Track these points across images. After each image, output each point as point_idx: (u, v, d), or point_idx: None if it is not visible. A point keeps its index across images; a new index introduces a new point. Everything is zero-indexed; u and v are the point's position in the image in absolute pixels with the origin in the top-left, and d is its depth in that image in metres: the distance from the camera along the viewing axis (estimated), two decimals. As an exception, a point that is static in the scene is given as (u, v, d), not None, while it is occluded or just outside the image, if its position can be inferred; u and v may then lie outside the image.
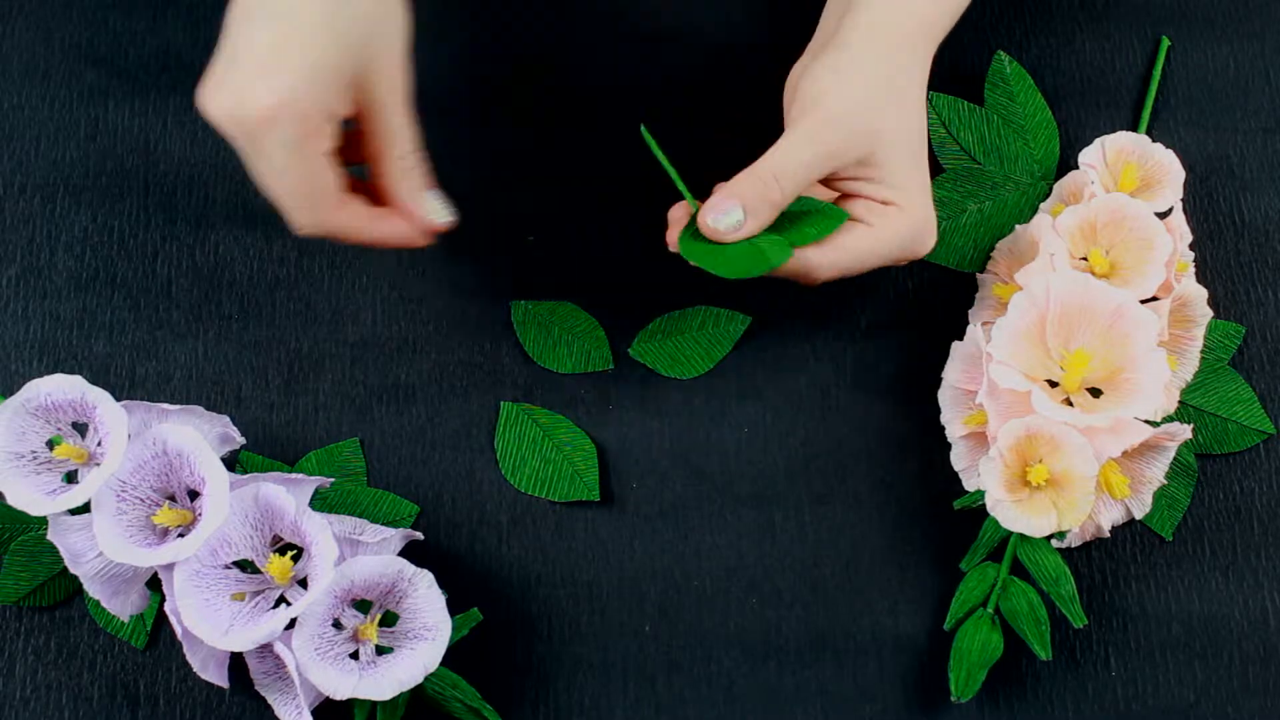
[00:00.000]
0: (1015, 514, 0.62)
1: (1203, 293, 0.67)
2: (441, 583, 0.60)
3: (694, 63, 0.75)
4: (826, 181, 0.64)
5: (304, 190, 0.58)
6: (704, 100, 0.74)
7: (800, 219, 0.64)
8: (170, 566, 0.58)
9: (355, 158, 0.61)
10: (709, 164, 0.68)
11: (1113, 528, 0.65)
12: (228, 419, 0.62)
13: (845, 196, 0.65)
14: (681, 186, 0.64)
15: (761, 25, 0.76)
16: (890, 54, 0.64)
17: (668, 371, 0.69)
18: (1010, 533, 0.64)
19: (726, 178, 0.69)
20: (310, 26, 0.57)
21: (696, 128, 0.73)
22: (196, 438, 0.58)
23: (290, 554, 0.59)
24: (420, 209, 0.61)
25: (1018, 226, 0.70)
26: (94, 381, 0.59)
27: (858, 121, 0.62)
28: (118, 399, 0.59)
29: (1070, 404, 0.62)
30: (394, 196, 0.61)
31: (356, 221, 0.60)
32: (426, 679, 0.61)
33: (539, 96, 0.74)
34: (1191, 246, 0.69)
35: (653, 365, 0.69)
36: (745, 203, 0.62)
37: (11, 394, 0.60)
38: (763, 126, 0.74)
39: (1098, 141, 0.69)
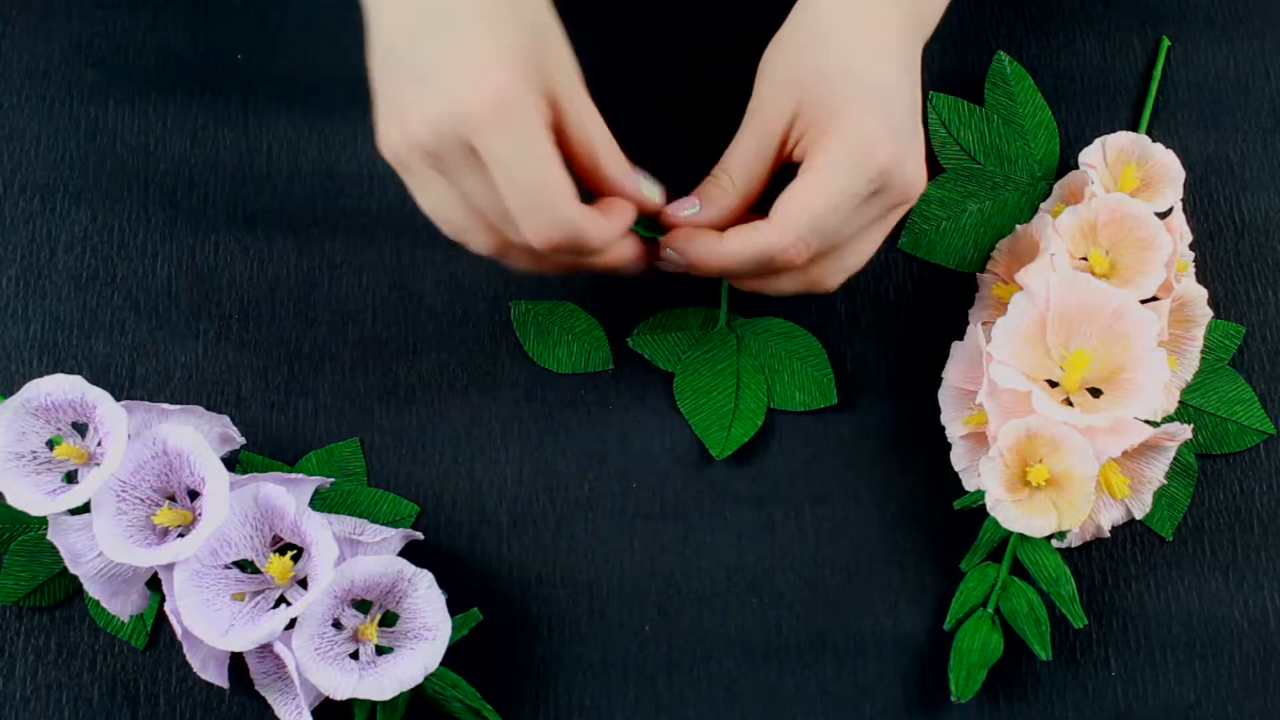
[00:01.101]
0: (1015, 514, 0.62)
1: (1203, 293, 0.67)
2: (441, 583, 0.60)
3: (698, 63, 0.75)
4: (792, 160, 0.61)
5: (546, 182, 0.55)
6: (706, 101, 0.74)
7: (792, 382, 0.68)
8: (170, 566, 0.58)
9: None
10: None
11: (1113, 528, 0.65)
12: (228, 419, 0.62)
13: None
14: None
15: (763, 26, 0.76)
16: (839, 10, 0.60)
17: (666, 366, 0.69)
18: (1010, 533, 0.64)
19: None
20: (494, 27, 0.55)
21: (697, 128, 0.73)
22: (196, 438, 0.58)
23: (290, 554, 0.59)
24: (639, 191, 0.60)
25: (1018, 226, 0.70)
26: (94, 381, 0.59)
27: (782, 71, 0.60)
28: (118, 399, 0.59)
29: (1070, 404, 0.62)
30: (613, 184, 0.59)
31: (597, 224, 0.57)
32: (426, 679, 0.61)
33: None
34: (1191, 246, 0.69)
35: (651, 358, 0.69)
36: (700, 195, 0.62)
37: (11, 394, 0.60)
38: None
39: (1098, 141, 0.69)
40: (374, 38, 0.59)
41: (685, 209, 0.62)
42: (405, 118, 0.56)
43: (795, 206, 0.58)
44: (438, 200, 0.59)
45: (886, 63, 0.60)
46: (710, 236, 0.61)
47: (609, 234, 0.58)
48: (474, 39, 0.55)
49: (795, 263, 0.59)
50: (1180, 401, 0.68)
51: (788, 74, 0.61)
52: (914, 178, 0.59)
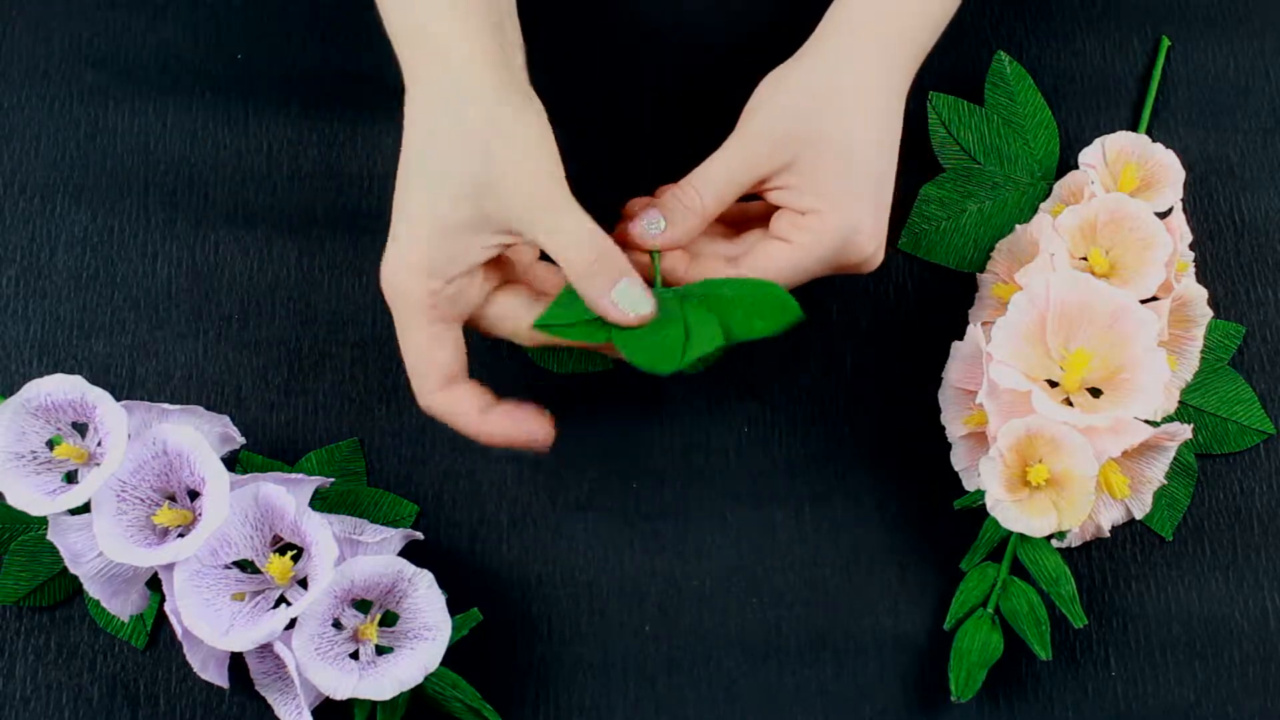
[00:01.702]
0: (1015, 514, 0.62)
1: (1203, 293, 0.67)
2: (441, 583, 0.60)
3: (698, 63, 0.75)
4: (761, 192, 0.63)
5: (414, 369, 0.60)
6: (705, 101, 0.74)
7: (751, 309, 0.61)
8: (170, 566, 0.58)
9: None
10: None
11: (1113, 528, 0.65)
12: (228, 419, 0.62)
13: (772, 209, 0.63)
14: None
15: (762, 26, 0.76)
16: (837, 55, 0.63)
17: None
18: (1010, 533, 0.64)
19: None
20: (421, 189, 0.59)
21: (696, 128, 0.73)
22: (196, 438, 0.58)
23: (290, 554, 0.59)
24: (615, 312, 0.60)
25: (1018, 226, 0.70)
26: (94, 381, 0.59)
27: (783, 127, 0.62)
28: (118, 399, 0.59)
29: (1070, 404, 0.62)
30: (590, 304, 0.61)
31: (460, 408, 0.61)
32: (426, 679, 0.61)
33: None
34: (1191, 246, 0.69)
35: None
36: (665, 211, 0.62)
37: (11, 394, 0.60)
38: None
39: (1098, 141, 0.69)
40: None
41: (650, 228, 0.62)
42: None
43: (771, 268, 0.62)
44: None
45: (884, 131, 0.63)
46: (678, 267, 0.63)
47: (475, 430, 0.61)
48: (407, 211, 0.59)
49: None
50: (1180, 401, 0.68)
51: (789, 128, 0.62)
52: (878, 260, 0.63)
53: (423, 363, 0.60)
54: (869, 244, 0.62)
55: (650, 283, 0.63)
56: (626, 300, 0.59)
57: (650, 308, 0.60)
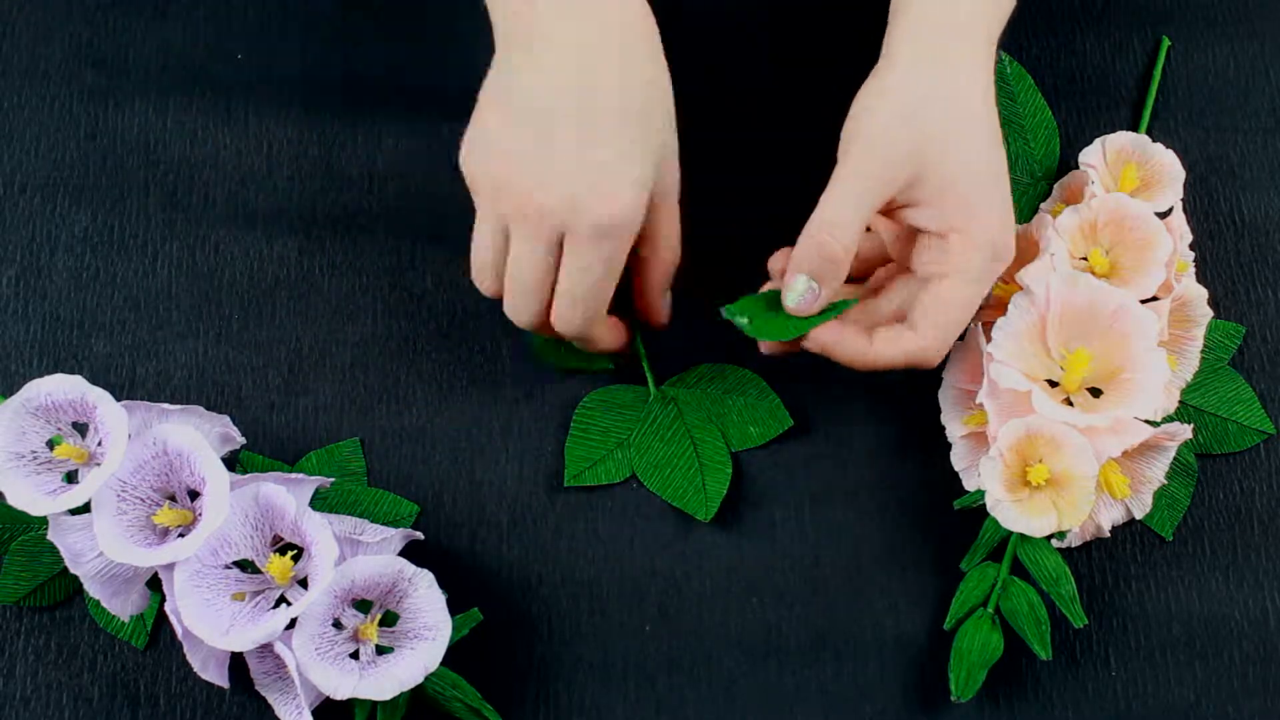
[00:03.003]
0: (1015, 514, 0.62)
1: (1203, 293, 0.67)
2: (441, 583, 0.60)
3: (698, 62, 0.75)
4: (887, 213, 0.61)
5: (602, 297, 0.61)
6: (707, 100, 0.74)
7: (746, 417, 0.68)
8: (170, 566, 0.58)
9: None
10: (720, 166, 0.68)
11: (1113, 528, 0.65)
12: (228, 419, 0.62)
13: (910, 232, 0.62)
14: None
15: (765, 26, 0.76)
16: (934, 56, 0.60)
17: (618, 475, 0.68)
18: (1010, 533, 0.64)
19: (735, 177, 0.69)
20: (627, 155, 0.59)
21: (698, 129, 0.73)
22: (197, 438, 0.58)
23: (290, 554, 0.59)
24: (663, 310, 0.66)
25: (1018, 226, 0.70)
26: (94, 381, 0.59)
27: (899, 143, 0.59)
28: (118, 399, 0.59)
29: (1070, 404, 0.62)
30: (649, 296, 0.65)
31: (608, 336, 0.65)
32: (427, 679, 0.61)
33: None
34: (1191, 246, 0.69)
35: (599, 479, 0.68)
36: (810, 271, 0.60)
37: (11, 394, 0.60)
38: (767, 129, 0.74)
39: (1098, 141, 0.69)
40: (509, 62, 0.61)
41: (807, 295, 0.61)
42: (517, 173, 0.59)
43: (941, 315, 0.60)
44: (489, 235, 0.62)
45: (994, 128, 0.61)
46: (859, 341, 0.61)
47: (609, 346, 0.65)
48: (607, 160, 0.59)
49: (934, 364, 0.62)
50: (1180, 401, 0.68)
51: (906, 141, 0.59)
52: (1011, 259, 0.62)
53: (610, 293, 0.62)
54: (1012, 239, 0.61)
55: (640, 381, 0.69)
56: (668, 307, 0.67)
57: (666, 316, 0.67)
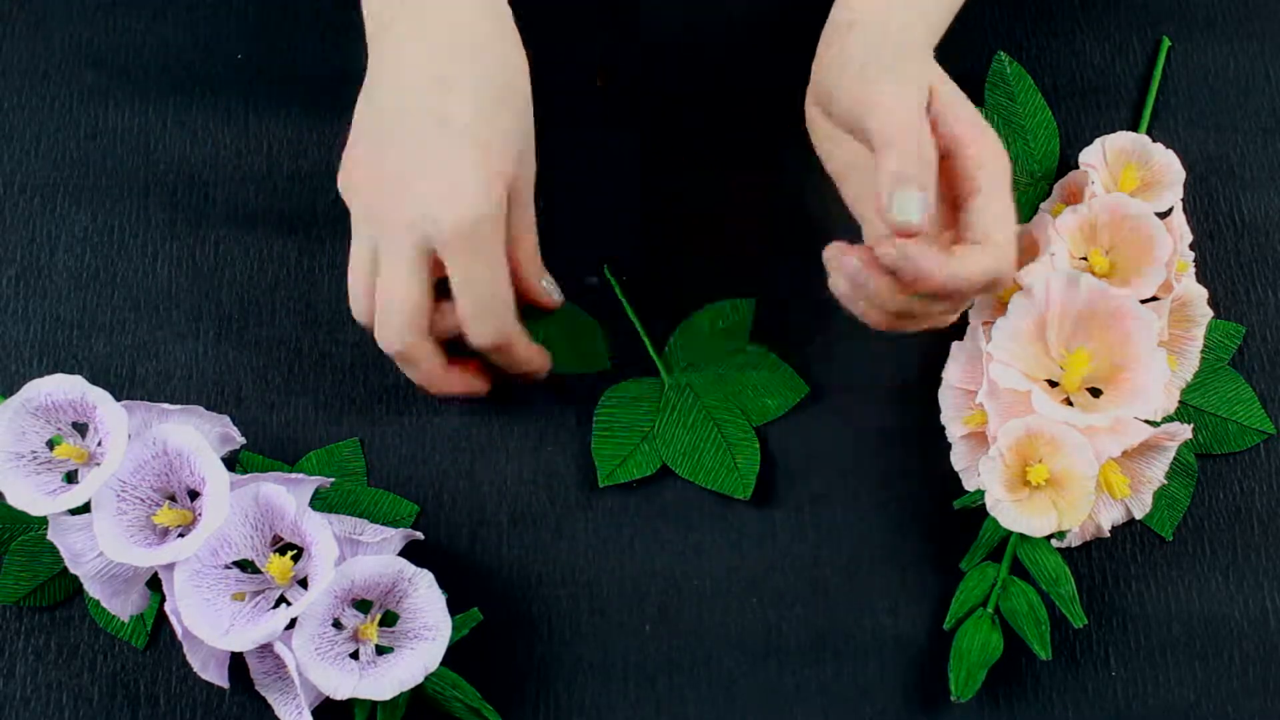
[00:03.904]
0: (1015, 514, 0.62)
1: (1203, 293, 0.67)
2: (441, 583, 0.60)
3: (698, 62, 0.75)
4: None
5: (502, 298, 0.61)
6: (707, 100, 0.74)
7: (762, 390, 0.68)
8: (170, 566, 0.58)
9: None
10: (718, 163, 0.68)
11: (1113, 528, 0.65)
12: (228, 419, 0.62)
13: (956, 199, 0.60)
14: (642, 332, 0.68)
15: (765, 25, 0.76)
16: (895, 20, 0.61)
17: (649, 469, 0.68)
18: (1010, 533, 0.64)
19: (735, 175, 0.69)
20: (482, 145, 0.59)
21: (700, 132, 0.73)
22: (196, 438, 0.58)
23: (290, 554, 0.59)
24: (544, 293, 0.65)
25: (1018, 226, 0.70)
26: (94, 381, 0.59)
27: (914, 56, 0.60)
28: (118, 399, 0.59)
29: (1070, 404, 0.62)
30: (527, 283, 0.64)
31: (530, 347, 0.64)
32: (426, 679, 0.61)
33: (538, 97, 0.73)
34: (1191, 246, 0.69)
35: (633, 474, 0.68)
36: (916, 179, 0.57)
37: (11, 394, 0.60)
38: (764, 127, 0.74)
39: (1098, 141, 0.69)
40: (371, 84, 0.62)
41: (914, 204, 0.56)
42: (377, 191, 0.60)
43: (999, 223, 0.58)
44: (363, 260, 0.62)
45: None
46: (942, 254, 0.58)
47: (532, 362, 0.64)
48: (460, 156, 0.59)
49: (1009, 283, 0.60)
50: (1180, 401, 0.68)
51: (918, 89, 0.58)
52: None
53: (509, 290, 0.61)
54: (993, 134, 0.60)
55: (652, 373, 0.68)
56: (550, 289, 0.66)
57: (556, 296, 0.65)
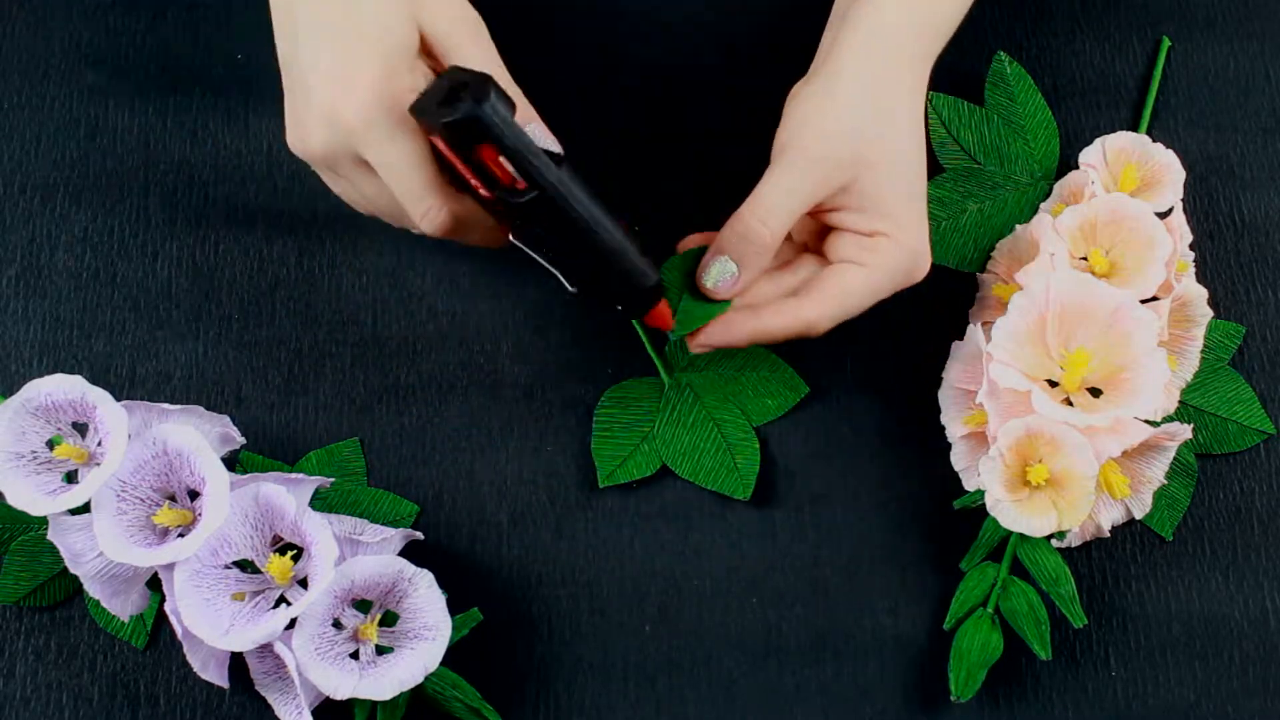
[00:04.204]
0: (1015, 514, 0.62)
1: (1203, 293, 0.67)
2: (441, 583, 0.60)
3: (695, 63, 0.75)
4: (812, 214, 0.63)
5: (425, 182, 0.59)
6: (704, 102, 0.74)
7: (762, 390, 0.68)
8: (170, 566, 0.58)
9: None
10: (720, 163, 0.68)
11: (1113, 528, 0.65)
12: (228, 419, 0.62)
13: (832, 230, 0.63)
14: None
15: (764, 30, 0.76)
16: (881, 73, 0.62)
17: (649, 470, 0.68)
18: (1010, 533, 0.64)
19: (736, 175, 0.69)
20: (358, 27, 0.58)
21: (701, 132, 0.73)
22: (196, 438, 0.58)
23: (290, 554, 0.59)
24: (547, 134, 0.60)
25: (1018, 226, 0.70)
26: (94, 381, 0.59)
27: (840, 150, 0.61)
28: (118, 399, 0.59)
29: (1070, 404, 0.62)
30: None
31: (477, 212, 0.61)
32: (426, 679, 0.61)
33: (536, 98, 0.74)
34: (1191, 246, 0.69)
35: (632, 475, 0.68)
36: (733, 254, 0.62)
37: (11, 394, 0.60)
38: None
39: (1098, 141, 0.69)
40: (277, 41, 0.62)
41: (723, 276, 0.62)
42: (300, 129, 0.60)
43: (840, 294, 0.62)
44: (344, 193, 0.64)
45: (922, 144, 0.63)
46: (750, 318, 0.63)
47: (480, 233, 0.62)
48: (341, 46, 0.58)
49: (820, 334, 0.63)
50: (1180, 401, 0.68)
51: (848, 150, 0.61)
52: (924, 274, 0.64)
53: (426, 172, 0.59)
54: (928, 259, 0.63)
55: (653, 373, 0.69)
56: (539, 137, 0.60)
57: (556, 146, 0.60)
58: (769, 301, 0.63)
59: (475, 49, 0.61)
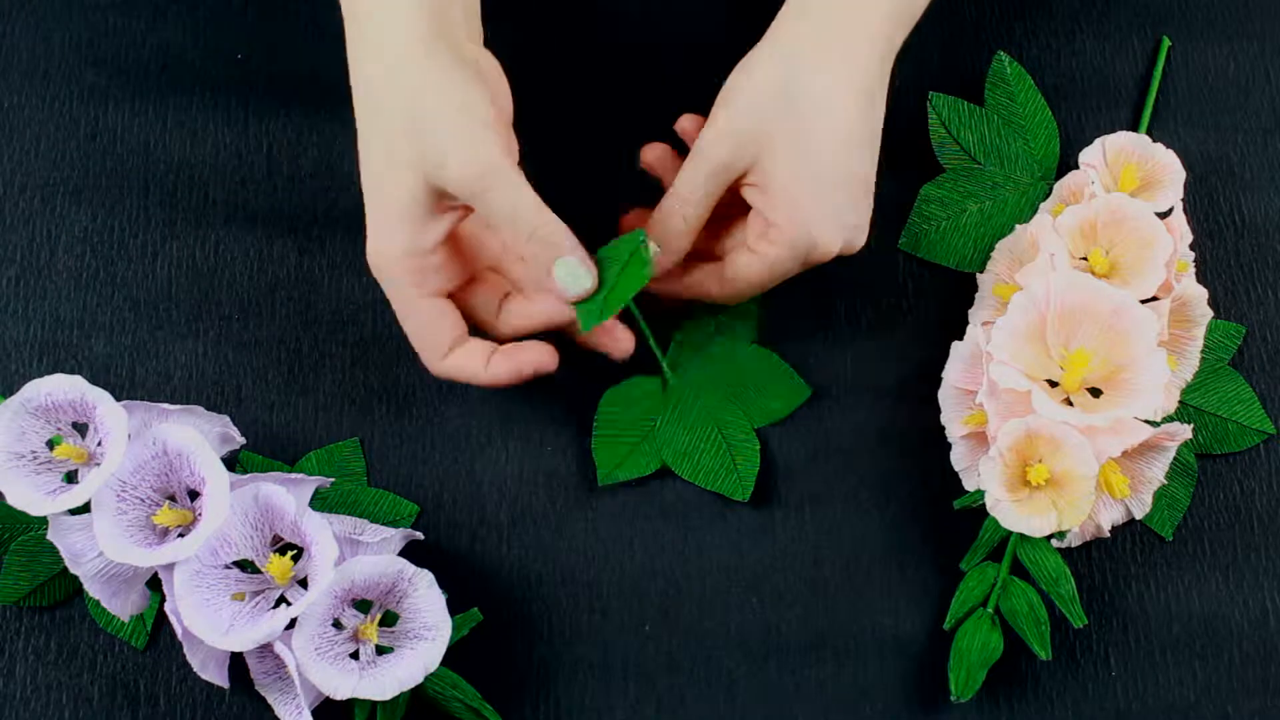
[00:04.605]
0: (1015, 514, 0.62)
1: (1203, 293, 0.67)
2: (441, 583, 0.60)
3: (690, 66, 0.75)
4: (738, 188, 0.64)
5: (417, 335, 0.63)
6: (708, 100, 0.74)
7: (765, 392, 0.68)
8: (170, 566, 0.58)
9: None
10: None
11: (1113, 528, 0.65)
12: (228, 419, 0.62)
13: (746, 208, 0.64)
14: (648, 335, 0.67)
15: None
16: (808, 48, 0.62)
17: (649, 468, 0.68)
18: (1010, 533, 0.64)
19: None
20: (385, 187, 0.60)
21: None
22: (196, 438, 0.58)
23: (290, 554, 0.59)
24: (553, 288, 0.61)
25: (1018, 226, 0.70)
26: (94, 381, 0.59)
27: (747, 124, 0.61)
28: (118, 399, 0.59)
29: (1070, 404, 0.62)
30: (522, 285, 0.64)
31: (468, 367, 0.63)
32: (426, 679, 0.61)
33: (534, 98, 0.74)
34: (1191, 246, 0.69)
35: (631, 474, 0.68)
36: (656, 235, 0.63)
37: (11, 394, 0.60)
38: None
39: (1098, 141, 0.69)
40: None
41: (570, 284, 0.62)
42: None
43: (742, 280, 0.64)
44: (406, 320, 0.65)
45: (853, 130, 0.62)
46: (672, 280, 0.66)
47: (486, 379, 0.63)
48: (373, 197, 0.61)
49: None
50: (1180, 401, 0.68)
51: (752, 126, 0.61)
52: (855, 247, 0.64)
53: (426, 335, 0.63)
54: (832, 244, 0.63)
55: (655, 371, 0.69)
56: (565, 276, 0.61)
57: (591, 282, 0.61)
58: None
59: (496, 204, 0.60)
